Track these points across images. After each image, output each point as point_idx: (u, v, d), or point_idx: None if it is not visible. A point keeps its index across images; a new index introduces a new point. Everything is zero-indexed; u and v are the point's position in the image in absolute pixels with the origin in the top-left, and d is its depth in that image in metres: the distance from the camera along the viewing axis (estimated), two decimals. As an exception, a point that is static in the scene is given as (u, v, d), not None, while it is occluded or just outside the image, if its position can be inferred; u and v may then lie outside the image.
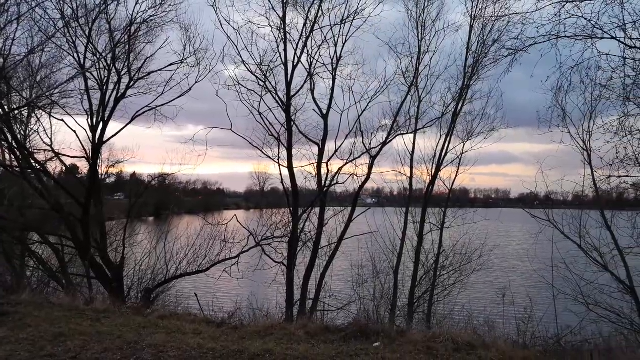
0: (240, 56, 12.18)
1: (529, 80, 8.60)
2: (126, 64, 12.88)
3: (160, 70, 13.30)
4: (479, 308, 11.86)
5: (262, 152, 12.73)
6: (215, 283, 13.08)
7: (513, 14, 9.47)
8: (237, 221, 13.16)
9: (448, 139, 13.90)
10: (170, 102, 13.45)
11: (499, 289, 11.26)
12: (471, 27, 13.44)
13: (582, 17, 6.37)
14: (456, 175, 14.32)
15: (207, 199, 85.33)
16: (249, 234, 12.70)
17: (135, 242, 15.95)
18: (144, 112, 13.45)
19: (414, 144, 14.04)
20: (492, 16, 12.70)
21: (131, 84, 13.08)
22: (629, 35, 6.41)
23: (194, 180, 78.38)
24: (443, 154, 13.91)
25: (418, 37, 13.61)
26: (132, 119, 13.51)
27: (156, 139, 66.89)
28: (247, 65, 12.27)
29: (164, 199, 48.32)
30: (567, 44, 6.58)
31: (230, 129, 12.47)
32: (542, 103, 12.55)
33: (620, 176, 10.61)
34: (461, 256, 13.76)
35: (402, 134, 13.86)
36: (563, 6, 6.25)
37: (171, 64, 13.19)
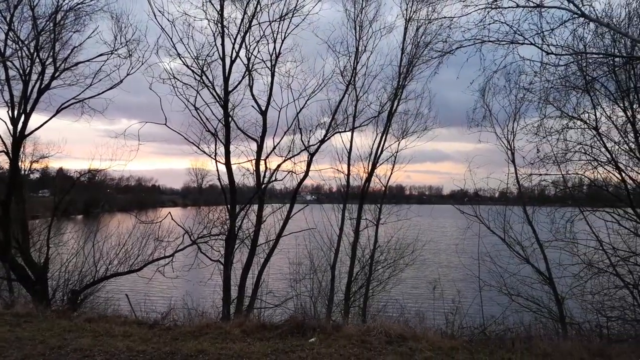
0: (176, 49, 11.82)
1: (460, 81, 9.01)
2: (51, 53, 12.19)
3: (88, 60, 12.75)
4: (411, 301, 12.28)
5: (199, 148, 12.43)
6: (147, 283, 12.63)
7: (443, 17, 9.76)
8: (172, 219, 12.78)
9: (384, 137, 14.25)
10: (99, 94, 12.91)
11: (429, 282, 11.79)
12: (406, 29, 13.85)
13: (504, 23, 6.71)
14: (391, 173, 14.73)
15: (141, 196, 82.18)
16: (184, 232, 12.37)
17: (61, 242, 15.12)
18: (70, 105, 12.83)
19: (351, 141, 14.30)
20: (424, 19, 13.15)
21: (56, 74, 12.42)
22: (547, 42, 6.83)
23: (127, 177, 75.27)
24: (379, 151, 14.25)
25: (356, 36, 13.82)
26: (58, 112, 12.82)
27: (85, 133, 63.79)
28: (182, 58, 11.93)
29: (94, 196, 46.17)
30: (492, 48, 6.97)
31: (165, 124, 12.09)
32: (471, 104, 13.22)
33: (540, 174, 11.56)
34: (395, 251, 14.19)
35: (340, 132, 14.06)
36: (488, 12, 6.59)
37: (101, 55, 12.66)
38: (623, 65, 9.79)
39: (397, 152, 14.42)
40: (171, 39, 11.75)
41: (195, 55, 11.91)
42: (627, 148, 10.63)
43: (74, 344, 5.91)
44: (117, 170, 15.86)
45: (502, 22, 6.62)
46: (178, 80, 11.98)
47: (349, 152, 14.28)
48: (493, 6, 6.52)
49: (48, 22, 11.85)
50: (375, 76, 13.98)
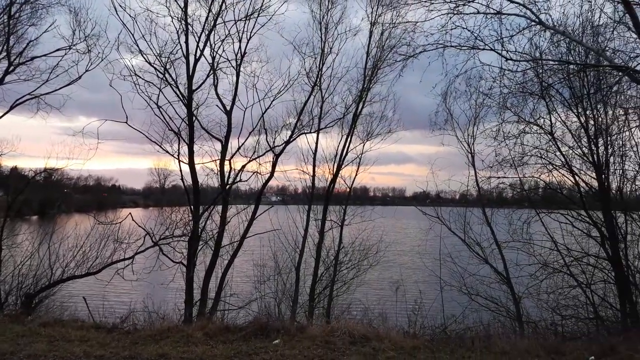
0: (137, 45, 11.54)
1: (423, 85, 9.19)
2: (5, 47, 11.69)
3: (45, 55, 12.27)
4: (375, 302, 12.40)
5: (161, 148, 12.15)
6: (106, 286, 12.26)
7: (407, 22, 9.96)
8: (133, 220, 12.45)
9: (349, 139, 14.35)
10: (56, 90, 12.40)
11: (392, 283, 11.97)
12: (371, 32, 13.98)
13: (466, 28, 6.93)
14: (356, 174, 14.86)
15: (101, 196, 79.78)
16: (145, 234, 12.08)
17: (14, 244, 14.45)
18: (25, 100, 12.31)
19: (316, 143, 14.34)
20: (389, 23, 13.33)
21: (11, 69, 11.91)
22: (505, 49, 7.06)
23: (85, 176, 72.63)
24: (344, 153, 14.34)
25: (321, 38, 13.86)
26: (12, 107, 12.28)
27: (41, 131, 61.37)
28: (144, 55, 11.65)
29: (50, 196, 44.54)
30: (453, 54, 7.16)
31: (126, 122, 11.78)
32: (434, 107, 13.51)
33: (499, 177, 12.03)
34: (359, 252, 14.30)
35: (305, 133, 14.06)
36: (450, 18, 6.76)
37: (58, 50, 12.20)
38: (577, 72, 10.16)
39: (362, 153, 14.56)
40: (133, 35, 11.49)
41: (158, 52, 11.67)
42: (581, 152, 11.12)
43: (27, 350, 5.68)
44: (75, 169, 15.43)
45: (463, 28, 6.81)
46: (140, 77, 11.71)
47: (315, 154, 14.34)
48: (455, 12, 6.68)
49: (2, 15, 11.37)
50: (340, 78, 14.07)
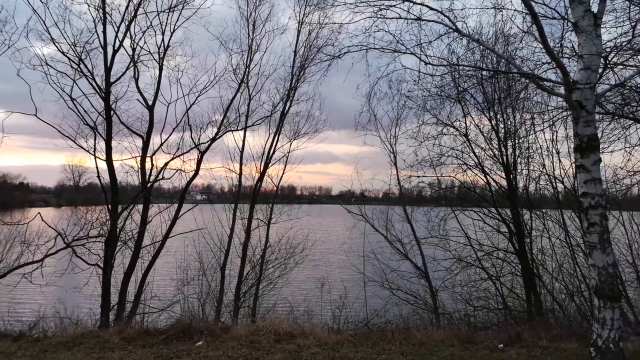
0: (49, 33, 10.73)
1: (349, 85, 9.43)
2: None
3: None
4: (300, 300, 12.68)
5: (75, 143, 11.38)
6: (11, 291, 11.34)
7: (333, 23, 10.38)
8: (42, 220, 11.59)
9: (276, 137, 14.38)
10: (-47, 78, 11.27)
11: (318, 280, 12.24)
12: (298, 31, 14.05)
13: (388, 32, 7.10)
14: (283, 173, 14.90)
15: (6, 195, 73.47)
16: (56, 234, 11.29)
17: None
18: None
19: (243, 141, 14.23)
20: (317, 23, 13.45)
21: None
22: (425, 53, 7.32)
23: (-12, 173, 66.56)
24: (271, 151, 14.35)
25: (249, 35, 13.74)
26: None
27: None
28: (57, 44, 10.84)
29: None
30: (377, 56, 7.36)
31: (35, 115, 10.91)
32: (359, 108, 13.95)
33: (419, 176, 12.62)
34: (286, 250, 14.41)
35: (232, 131, 13.87)
36: (374, 21, 6.96)
37: (-45, 34, 11.04)
38: (489, 78, 10.93)
39: (289, 152, 14.64)
40: (44, 21, 10.67)
41: (73, 41, 10.92)
42: (492, 154, 11.93)
43: None
44: (-25, 165, 14.11)
45: (386, 31, 7.02)
46: (52, 67, 10.89)
47: (242, 152, 14.23)
48: (379, 16, 6.88)
49: None
50: (268, 76, 14.05)
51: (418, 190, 13.87)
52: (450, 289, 12.06)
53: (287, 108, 14.29)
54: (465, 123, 12.12)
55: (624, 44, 6.70)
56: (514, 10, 7.10)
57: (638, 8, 6.55)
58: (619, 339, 5.46)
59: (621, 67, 7.14)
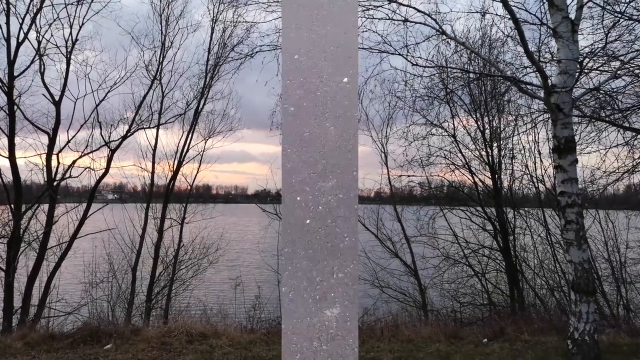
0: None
1: (262, 85, 10.35)
2: None
3: None
4: (215, 300, 13.56)
5: (-27, 139, 11.86)
6: None
7: (246, 22, 12.45)
8: None
9: (190, 135, 15.91)
10: None
11: (233, 280, 13.72)
12: (212, 29, 15.62)
13: (376, 32, 8.35)
14: (197, 172, 16.60)
15: None
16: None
17: None
18: None
19: (156, 139, 15.54)
20: (230, 21, 14.88)
21: None
22: (412, 54, 8.74)
23: None
24: (185, 150, 15.87)
25: (162, 31, 15.21)
26: None
27: None
28: (-47, 34, 11.31)
29: None
30: (365, 55, 8.71)
31: None
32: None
33: (409, 175, 14.65)
34: (200, 250, 15.84)
35: (144, 128, 15.24)
36: (362, 22, 8.21)
37: None
38: (475, 80, 12.90)
39: (203, 150, 16.28)
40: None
41: (-30, 32, 11.53)
42: (478, 154, 13.95)
43: None
44: None
45: (373, 32, 8.33)
46: (-53, 59, 11.35)
47: (154, 150, 15.55)
48: (366, 16, 8.17)
49: None
50: (182, 74, 15.55)
51: (408, 190, 15.99)
52: (439, 286, 14.24)
53: (201, 106, 15.73)
54: (454, 124, 14.15)
55: (598, 50, 8.03)
56: (496, 14, 8.16)
57: (612, 16, 7.81)
58: (594, 331, 6.54)
59: (597, 72, 8.52)
